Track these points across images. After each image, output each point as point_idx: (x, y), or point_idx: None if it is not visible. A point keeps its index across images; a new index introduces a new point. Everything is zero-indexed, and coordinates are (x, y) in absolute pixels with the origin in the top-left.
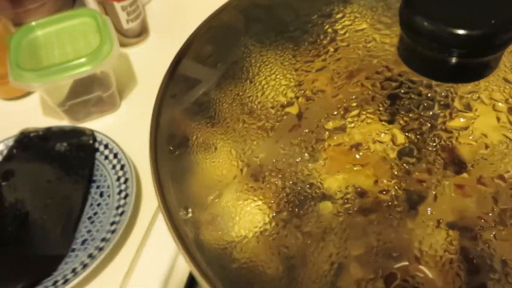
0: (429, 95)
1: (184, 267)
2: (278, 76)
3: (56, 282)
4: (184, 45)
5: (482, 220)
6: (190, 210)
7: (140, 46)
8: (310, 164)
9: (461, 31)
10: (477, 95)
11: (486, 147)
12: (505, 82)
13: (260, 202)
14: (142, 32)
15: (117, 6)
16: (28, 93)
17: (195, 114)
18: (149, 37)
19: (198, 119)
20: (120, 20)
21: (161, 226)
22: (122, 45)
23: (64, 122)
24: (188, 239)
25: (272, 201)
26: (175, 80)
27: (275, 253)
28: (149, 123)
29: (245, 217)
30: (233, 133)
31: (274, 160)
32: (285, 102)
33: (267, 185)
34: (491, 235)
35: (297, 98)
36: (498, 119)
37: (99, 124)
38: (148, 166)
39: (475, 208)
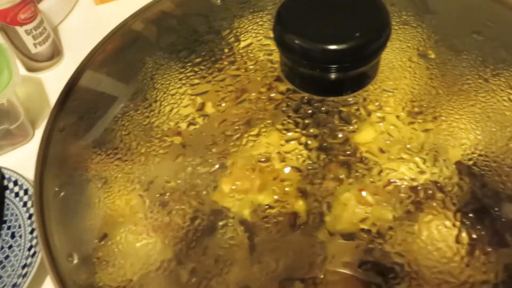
0: (311, 110)
1: None
2: (163, 103)
3: None
4: (74, 73)
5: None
6: (75, 256)
7: (54, 70)
8: (206, 188)
9: (328, 47)
10: (358, 106)
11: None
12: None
13: (154, 236)
14: (54, 55)
15: (20, 30)
16: None
17: (86, 147)
18: (63, 59)
19: (88, 153)
20: (27, 44)
21: None
22: (34, 70)
23: None
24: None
25: (168, 233)
26: (65, 111)
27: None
28: None
29: (138, 254)
30: (123, 165)
31: (167, 191)
32: (168, 130)
33: (161, 217)
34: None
35: (183, 124)
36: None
37: (11, 158)
38: None
39: (374, 215)
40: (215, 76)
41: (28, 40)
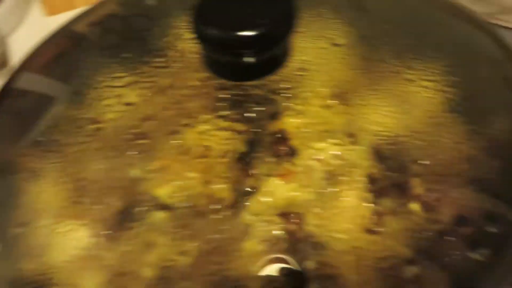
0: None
1: None
2: (94, 97)
3: None
4: (11, 76)
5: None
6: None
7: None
8: (141, 176)
9: (239, 33)
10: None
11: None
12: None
13: (81, 223)
14: (1, 65)
15: None
16: None
17: (20, 143)
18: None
19: (20, 148)
20: None
21: None
22: None
23: None
24: None
25: (97, 220)
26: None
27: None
28: None
29: (64, 241)
30: (59, 157)
31: (100, 179)
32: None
33: (93, 205)
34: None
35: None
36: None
37: None
38: None
39: (298, 193)
40: (143, 70)
41: None
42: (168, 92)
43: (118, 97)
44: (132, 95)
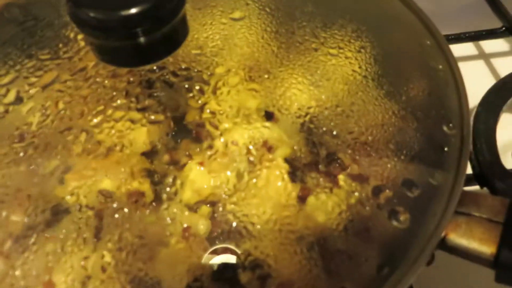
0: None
1: None
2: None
3: None
4: None
5: (223, 190)
6: None
7: None
8: (38, 181)
9: (120, 13)
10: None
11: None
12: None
13: None
14: None
15: None
16: None
17: None
18: None
19: None
20: None
21: None
22: None
23: None
24: None
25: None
26: None
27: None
28: None
29: None
30: None
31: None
32: None
33: None
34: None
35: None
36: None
37: None
38: None
39: (217, 180)
40: (29, 65)
41: None
42: (56, 86)
43: (2, 97)
44: (18, 93)
